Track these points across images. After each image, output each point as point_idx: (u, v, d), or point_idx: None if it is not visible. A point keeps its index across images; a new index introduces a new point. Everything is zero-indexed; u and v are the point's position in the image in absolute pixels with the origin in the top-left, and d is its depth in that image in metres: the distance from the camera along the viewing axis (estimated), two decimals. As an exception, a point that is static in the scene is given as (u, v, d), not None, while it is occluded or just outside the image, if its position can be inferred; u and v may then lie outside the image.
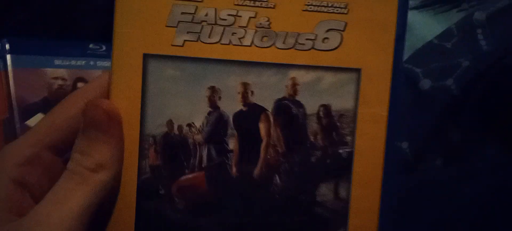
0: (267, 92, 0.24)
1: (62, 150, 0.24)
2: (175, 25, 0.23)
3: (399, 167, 0.42)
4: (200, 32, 0.23)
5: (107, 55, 0.40)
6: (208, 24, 0.23)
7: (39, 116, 0.38)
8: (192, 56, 0.23)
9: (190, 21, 0.23)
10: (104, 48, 0.41)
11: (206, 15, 0.23)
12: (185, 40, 0.23)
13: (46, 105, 0.38)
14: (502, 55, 0.42)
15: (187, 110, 0.23)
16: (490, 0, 0.46)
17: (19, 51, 0.38)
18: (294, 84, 0.24)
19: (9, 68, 0.37)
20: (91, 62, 0.40)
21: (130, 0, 0.23)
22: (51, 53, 0.39)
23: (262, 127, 0.24)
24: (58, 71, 0.39)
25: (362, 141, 0.25)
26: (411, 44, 0.48)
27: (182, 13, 0.23)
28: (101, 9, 0.40)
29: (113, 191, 0.23)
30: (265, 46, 0.23)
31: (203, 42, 0.23)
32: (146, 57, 0.23)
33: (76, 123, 0.23)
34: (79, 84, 0.40)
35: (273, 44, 0.23)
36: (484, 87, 0.42)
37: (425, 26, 0.49)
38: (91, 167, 0.22)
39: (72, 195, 0.21)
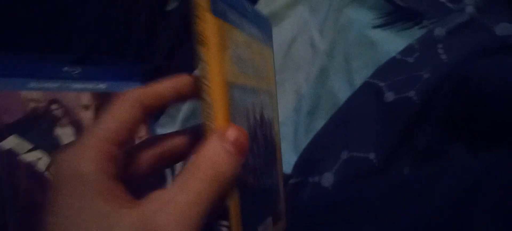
0: None
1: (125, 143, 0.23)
2: None
3: (367, 177, 0.43)
4: None
5: (81, 78, 0.41)
6: None
7: (13, 137, 0.39)
8: None
9: None
10: (79, 70, 0.42)
11: None
12: None
13: (21, 126, 0.39)
14: (459, 65, 0.44)
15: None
16: (450, 17, 0.48)
17: (-6, 73, 0.38)
18: None
19: (-16, 91, 0.38)
20: (66, 84, 0.41)
21: None
22: (26, 75, 0.40)
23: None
24: (32, 93, 0.40)
25: None
26: (376, 60, 0.50)
27: None
28: (78, 31, 0.41)
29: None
30: None
31: None
32: None
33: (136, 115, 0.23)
34: (53, 106, 0.41)
35: None
36: (444, 95, 0.44)
37: (389, 43, 0.51)
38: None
39: (198, 185, 0.21)
